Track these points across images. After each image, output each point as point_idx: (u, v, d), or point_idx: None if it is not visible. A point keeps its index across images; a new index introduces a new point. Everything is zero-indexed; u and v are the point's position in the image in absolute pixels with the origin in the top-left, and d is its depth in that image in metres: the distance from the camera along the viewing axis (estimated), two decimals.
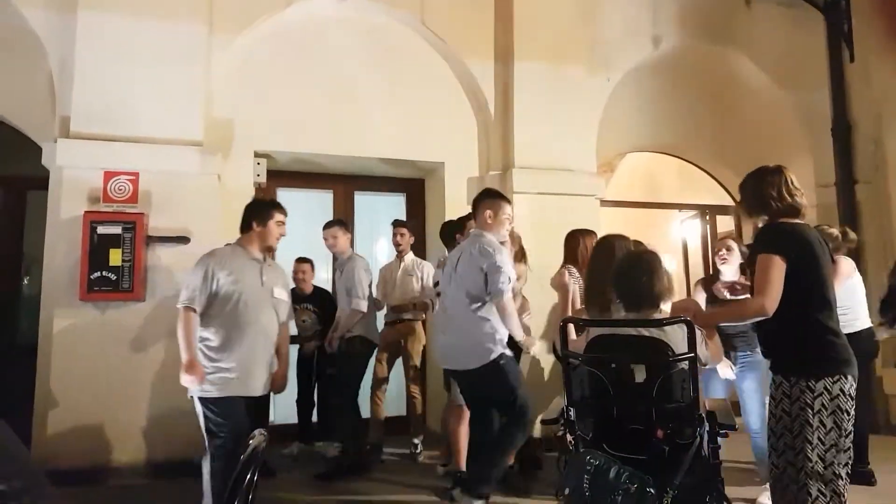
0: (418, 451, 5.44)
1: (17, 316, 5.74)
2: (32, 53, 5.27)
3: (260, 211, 3.66)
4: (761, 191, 2.71)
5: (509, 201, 4.20)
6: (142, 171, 5.04)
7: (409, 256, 5.65)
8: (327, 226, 5.35)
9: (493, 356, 3.79)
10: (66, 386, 4.76)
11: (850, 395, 2.49)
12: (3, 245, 5.75)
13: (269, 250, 3.68)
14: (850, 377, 2.51)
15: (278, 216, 3.66)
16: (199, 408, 3.36)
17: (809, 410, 2.47)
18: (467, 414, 4.22)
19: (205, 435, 3.33)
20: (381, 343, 5.41)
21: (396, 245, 5.69)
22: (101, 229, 4.86)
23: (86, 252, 4.83)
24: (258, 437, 1.45)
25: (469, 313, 3.85)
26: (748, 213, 2.86)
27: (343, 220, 5.66)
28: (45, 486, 0.57)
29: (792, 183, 2.69)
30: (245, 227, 3.64)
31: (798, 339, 2.59)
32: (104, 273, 4.83)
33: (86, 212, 4.89)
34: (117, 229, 4.89)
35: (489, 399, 3.94)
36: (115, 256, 4.84)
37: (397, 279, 5.55)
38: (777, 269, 2.52)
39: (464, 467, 4.26)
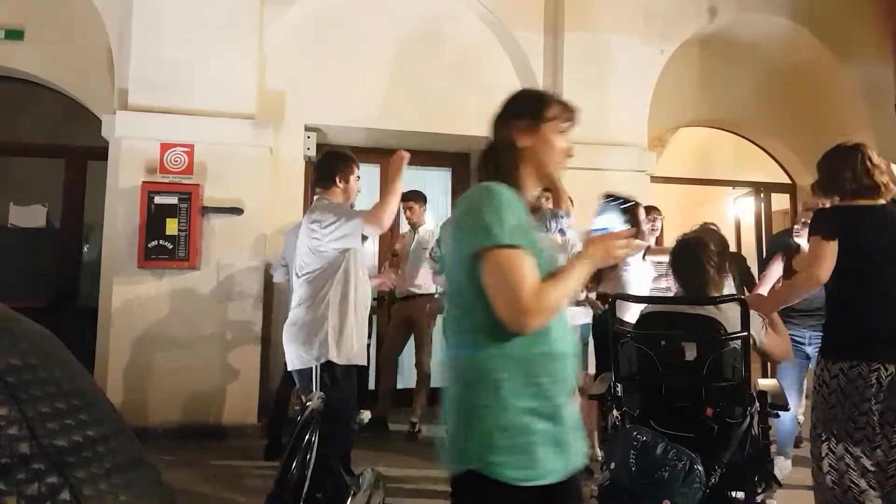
0: (416, 429, 5.20)
1: (78, 281, 5.97)
2: (92, 27, 5.42)
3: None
4: (836, 171, 2.67)
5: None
6: (197, 142, 5.17)
7: (425, 228, 5.45)
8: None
9: None
10: (124, 348, 4.97)
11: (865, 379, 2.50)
12: (65, 213, 5.98)
13: None
14: (865, 363, 2.52)
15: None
16: None
17: (825, 388, 2.61)
18: None
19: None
20: (394, 319, 5.47)
21: (407, 220, 5.56)
22: (158, 199, 5.02)
23: (143, 221, 5.00)
24: (316, 400, 1.49)
25: None
26: (822, 193, 2.81)
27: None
28: (127, 436, 0.59)
29: (870, 161, 2.62)
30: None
31: (828, 320, 2.73)
32: (161, 242, 4.99)
33: (143, 182, 5.05)
34: (173, 199, 5.04)
35: None
36: (172, 226, 5.00)
37: (410, 252, 5.40)
38: (826, 247, 2.58)
39: None
